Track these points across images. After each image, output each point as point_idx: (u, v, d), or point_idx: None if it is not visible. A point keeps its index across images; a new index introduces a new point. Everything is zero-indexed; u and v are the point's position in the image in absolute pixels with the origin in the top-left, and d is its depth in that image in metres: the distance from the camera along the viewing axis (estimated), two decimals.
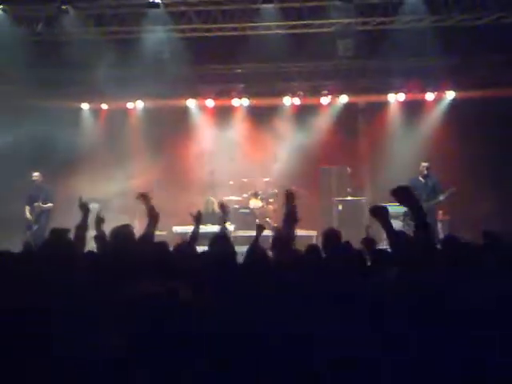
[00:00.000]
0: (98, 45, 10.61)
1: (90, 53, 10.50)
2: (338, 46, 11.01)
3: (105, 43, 10.85)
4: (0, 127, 11.08)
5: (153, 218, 5.19)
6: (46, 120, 11.13)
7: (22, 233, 10.85)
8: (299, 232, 10.73)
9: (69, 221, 9.75)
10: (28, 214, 11.13)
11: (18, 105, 11.39)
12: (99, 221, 5.43)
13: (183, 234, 10.66)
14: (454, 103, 12.51)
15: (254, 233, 10.78)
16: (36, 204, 11.11)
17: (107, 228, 5.78)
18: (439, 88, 12.51)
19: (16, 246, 5.86)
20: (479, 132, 11.22)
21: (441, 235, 10.29)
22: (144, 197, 5.38)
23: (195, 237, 5.60)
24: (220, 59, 11.91)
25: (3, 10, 10.52)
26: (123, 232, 4.65)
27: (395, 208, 11.41)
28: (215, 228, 11.14)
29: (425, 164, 10.91)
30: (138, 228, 9.63)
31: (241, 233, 11.36)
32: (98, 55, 10.57)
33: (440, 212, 11.26)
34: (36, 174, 11.33)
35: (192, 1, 10.42)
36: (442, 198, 10.49)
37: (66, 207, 11.19)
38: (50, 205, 11.22)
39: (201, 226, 10.72)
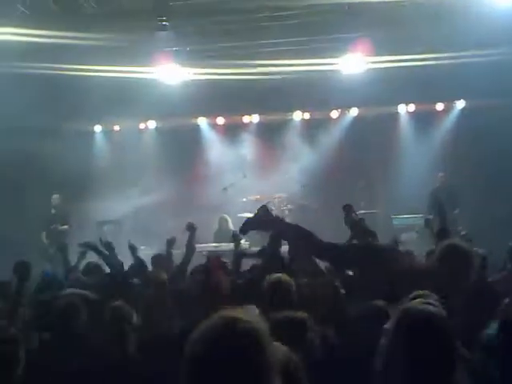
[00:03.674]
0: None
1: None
2: None
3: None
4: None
5: (192, 249, 5.66)
6: (61, 143, 11.29)
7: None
8: None
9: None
10: (44, 239, 11.24)
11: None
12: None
13: (198, 253, 10.67)
14: (465, 112, 12.50)
15: None
16: (53, 226, 11.24)
17: (119, 249, 5.95)
18: (449, 97, 12.52)
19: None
20: (491, 141, 11.15)
21: None
22: (192, 228, 5.67)
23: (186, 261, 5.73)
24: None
25: None
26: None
27: (410, 220, 11.48)
28: (230, 246, 11.19)
29: (441, 174, 10.92)
30: (150, 251, 9.72)
31: (256, 249, 11.34)
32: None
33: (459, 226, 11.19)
34: (55, 196, 11.49)
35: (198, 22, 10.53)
36: (456, 212, 10.53)
37: (81, 230, 11.34)
38: (65, 227, 11.34)
39: (216, 244, 10.81)
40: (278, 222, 4.27)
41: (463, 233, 5.60)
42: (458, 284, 3.28)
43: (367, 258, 3.94)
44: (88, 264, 6.04)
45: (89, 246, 5.76)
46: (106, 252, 5.56)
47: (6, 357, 2.69)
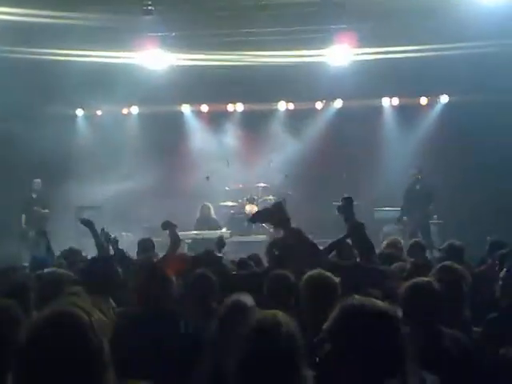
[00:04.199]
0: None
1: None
2: None
3: None
4: None
5: (176, 244, 5.57)
6: (42, 126, 11.14)
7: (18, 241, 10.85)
8: None
9: (62, 227, 9.81)
10: (23, 223, 11.15)
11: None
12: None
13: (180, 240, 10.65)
14: (448, 107, 12.60)
15: (250, 238, 10.84)
16: (35, 208, 11.17)
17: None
18: (433, 92, 12.60)
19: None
20: (473, 136, 11.26)
21: (436, 239, 10.37)
22: (171, 226, 5.62)
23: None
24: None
25: None
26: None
27: (388, 213, 11.59)
28: (212, 234, 11.19)
29: (412, 172, 11.07)
30: (132, 238, 9.68)
31: (236, 238, 11.36)
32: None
33: (435, 216, 11.34)
34: (37, 180, 11.40)
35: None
36: (431, 208, 10.70)
37: (61, 214, 11.25)
38: (46, 211, 11.26)
39: (197, 232, 10.79)
40: (287, 223, 4.27)
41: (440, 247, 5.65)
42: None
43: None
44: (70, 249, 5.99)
45: (87, 224, 5.66)
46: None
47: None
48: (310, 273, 3.42)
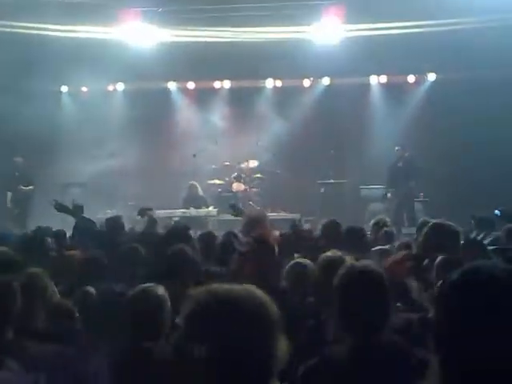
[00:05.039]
0: None
1: None
2: None
3: None
4: None
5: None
6: (26, 103, 10.97)
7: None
8: (283, 215, 10.85)
9: (47, 205, 9.72)
10: (9, 201, 11.06)
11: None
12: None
13: (167, 218, 10.64)
14: (435, 85, 12.59)
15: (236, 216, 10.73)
16: (19, 187, 11.07)
17: (89, 211, 5.88)
18: (420, 70, 12.58)
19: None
20: (460, 114, 11.28)
21: (422, 216, 10.43)
22: (147, 212, 5.59)
23: None
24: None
25: None
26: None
27: (378, 191, 11.64)
28: (199, 212, 11.17)
29: (397, 148, 11.13)
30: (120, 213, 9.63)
31: (224, 216, 11.34)
32: None
33: (421, 194, 11.40)
34: (18, 159, 11.29)
35: None
36: (411, 185, 10.76)
37: (46, 191, 11.15)
38: (31, 188, 11.18)
39: (184, 210, 10.80)
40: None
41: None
42: None
43: None
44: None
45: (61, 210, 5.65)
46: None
47: None
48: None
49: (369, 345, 2.28)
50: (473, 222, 5.96)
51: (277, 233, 4.95)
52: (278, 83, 13.18)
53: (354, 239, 4.45)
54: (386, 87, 13.01)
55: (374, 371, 2.20)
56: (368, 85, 13.08)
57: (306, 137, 12.59)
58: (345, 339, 2.34)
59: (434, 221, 4.12)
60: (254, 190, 12.41)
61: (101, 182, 11.55)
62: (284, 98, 12.93)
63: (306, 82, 13.15)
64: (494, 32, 9.98)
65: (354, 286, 2.33)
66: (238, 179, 12.42)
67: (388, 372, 2.20)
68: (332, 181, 12.20)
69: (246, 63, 11.91)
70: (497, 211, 6.15)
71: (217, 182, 12.56)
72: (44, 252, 4.48)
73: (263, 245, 3.54)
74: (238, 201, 11.96)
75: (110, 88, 13.37)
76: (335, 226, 4.97)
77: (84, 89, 13.35)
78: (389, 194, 11.03)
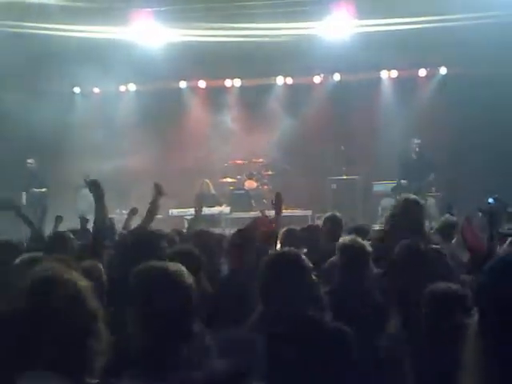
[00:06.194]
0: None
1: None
2: None
3: None
4: None
5: (152, 212, 5.11)
6: (39, 104, 11.08)
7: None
8: (294, 212, 10.86)
9: (62, 205, 9.81)
10: (24, 201, 11.17)
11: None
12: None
13: (179, 217, 10.72)
14: (447, 79, 12.51)
15: (250, 214, 10.84)
16: (32, 190, 11.18)
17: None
18: (431, 64, 12.51)
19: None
20: (471, 108, 11.20)
21: (434, 211, 10.38)
22: (159, 189, 5.23)
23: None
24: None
25: None
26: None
27: (387, 186, 11.60)
28: (211, 210, 11.21)
29: (417, 141, 11.03)
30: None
31: (237, 214, 11.40)
32: None
33: (433, 188, 11.34)
34: (31, 160, 11.39)
35: None
36: (431, 178, 10.70)
37: (60, 191, 11.28)
38: (44, 190, 11.29)
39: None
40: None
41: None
42: None
43: None
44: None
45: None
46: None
47: None
48: None
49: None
50: (481, 214, 5.91)
51: (283, 229, 5.09)
52: (289, 80, 13.19)
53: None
54: (397, 82, 12.95)
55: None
56: (379, 80, 13.03)
57: (317, 133, 12.59)
58: None
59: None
60: (265, 187, 12.45)
61: (113, 182, 11.63)
62: (295, 96, 12.93)
63: (317, 79, 13.14)
64: (506, 27, 9.90)
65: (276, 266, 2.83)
66: (249, 177, 12.46)
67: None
68: (344, 177, 12.19)
69: (256, 61, 11.94)
70: (490, 199, 6.12)
71: (229, 180, 12.61)
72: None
73: (243, 235, 4.27)
74: (251, 198, 12.03)
75: (122, 89, 13.48)
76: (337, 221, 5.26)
77: (96, 90, 13.46)
78: (403, 181, 10.95)
